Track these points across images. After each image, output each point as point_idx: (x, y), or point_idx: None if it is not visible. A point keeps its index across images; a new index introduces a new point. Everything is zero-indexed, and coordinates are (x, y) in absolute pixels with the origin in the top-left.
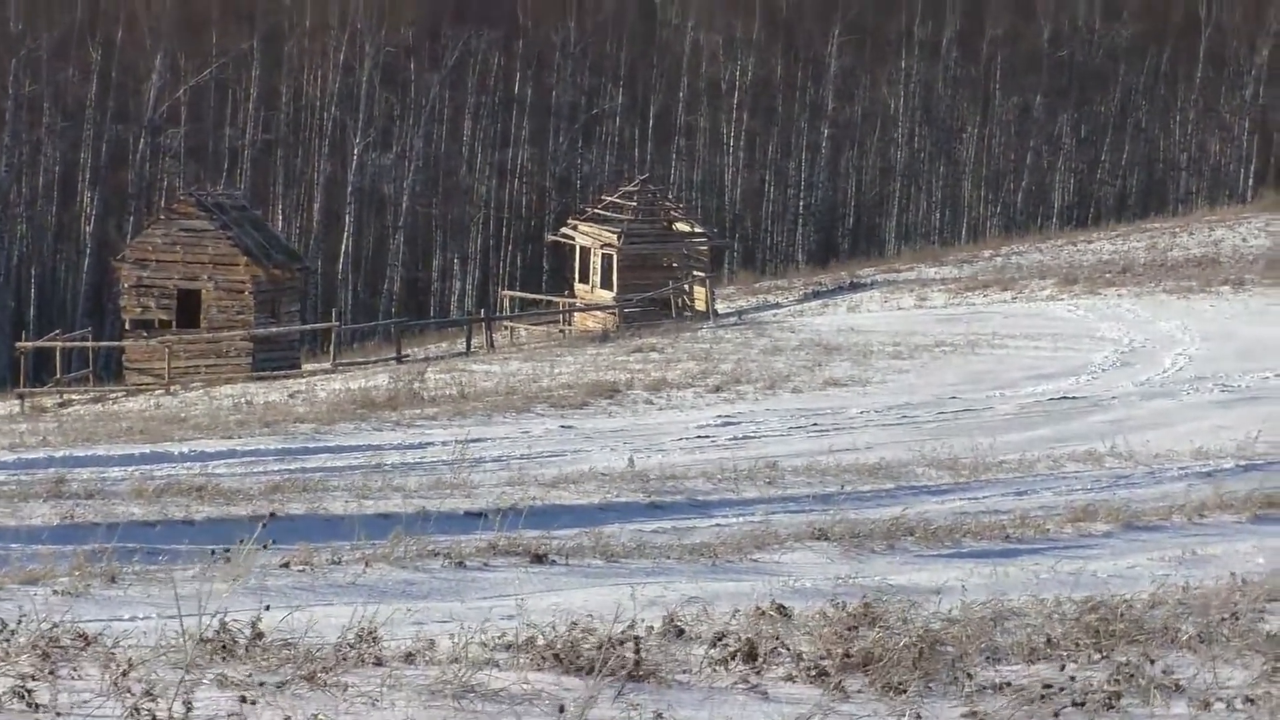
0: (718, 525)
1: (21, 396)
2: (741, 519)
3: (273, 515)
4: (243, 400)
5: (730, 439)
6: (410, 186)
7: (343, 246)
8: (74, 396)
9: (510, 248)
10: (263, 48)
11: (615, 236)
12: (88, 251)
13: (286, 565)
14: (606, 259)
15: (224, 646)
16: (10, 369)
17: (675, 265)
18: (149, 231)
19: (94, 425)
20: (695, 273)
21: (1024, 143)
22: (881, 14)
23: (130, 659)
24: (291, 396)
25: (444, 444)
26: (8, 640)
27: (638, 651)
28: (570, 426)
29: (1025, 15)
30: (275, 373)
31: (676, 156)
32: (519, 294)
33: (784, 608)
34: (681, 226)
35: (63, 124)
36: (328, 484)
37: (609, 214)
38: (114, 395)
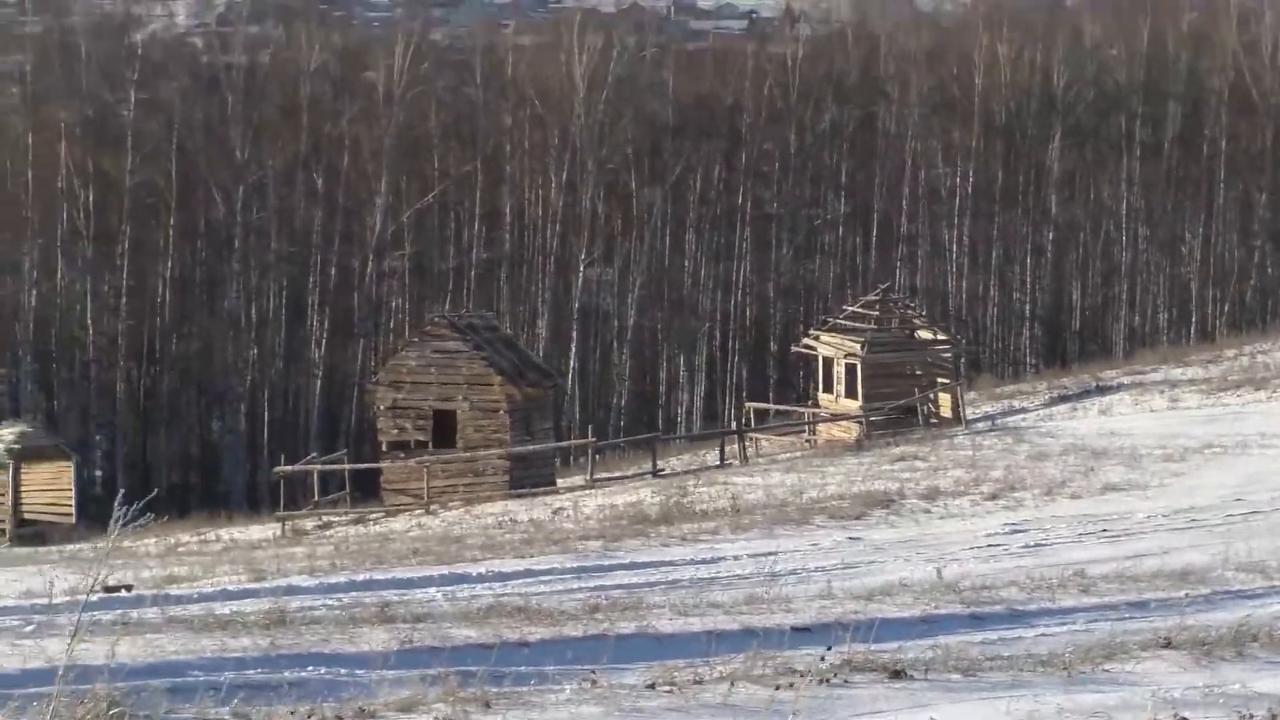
0: (1041, 635)
1: (281, 520)
2: (1065, 629)
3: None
4: (506, 519)
5: (1022, 547)
6: (635, 301)
7: (570, 362)
8: (333, 518)
9: (736, 359)
10: (485, 168)
11: (859, 345)
12: (319, 374)
13: (652, 686)
14: (850, 368)
15: None
16: (268, 492)
17: (919, 373)
18: (402, 354)
19: (373, 547)
20: (939, 379)
21: (1249, 240)
22: (1101, 116)
23: None
24: (555, 513)
25: (735, 558)
26: None
27: None
28: (857, 538)
29: (1246, 112)
30: (533, 490)
31: (900, 264)
32: (767, 405)
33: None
34: (924, 334)
35: (290, 249)
36: (645, 601)
37: (851, 323)
38: (373, 516)
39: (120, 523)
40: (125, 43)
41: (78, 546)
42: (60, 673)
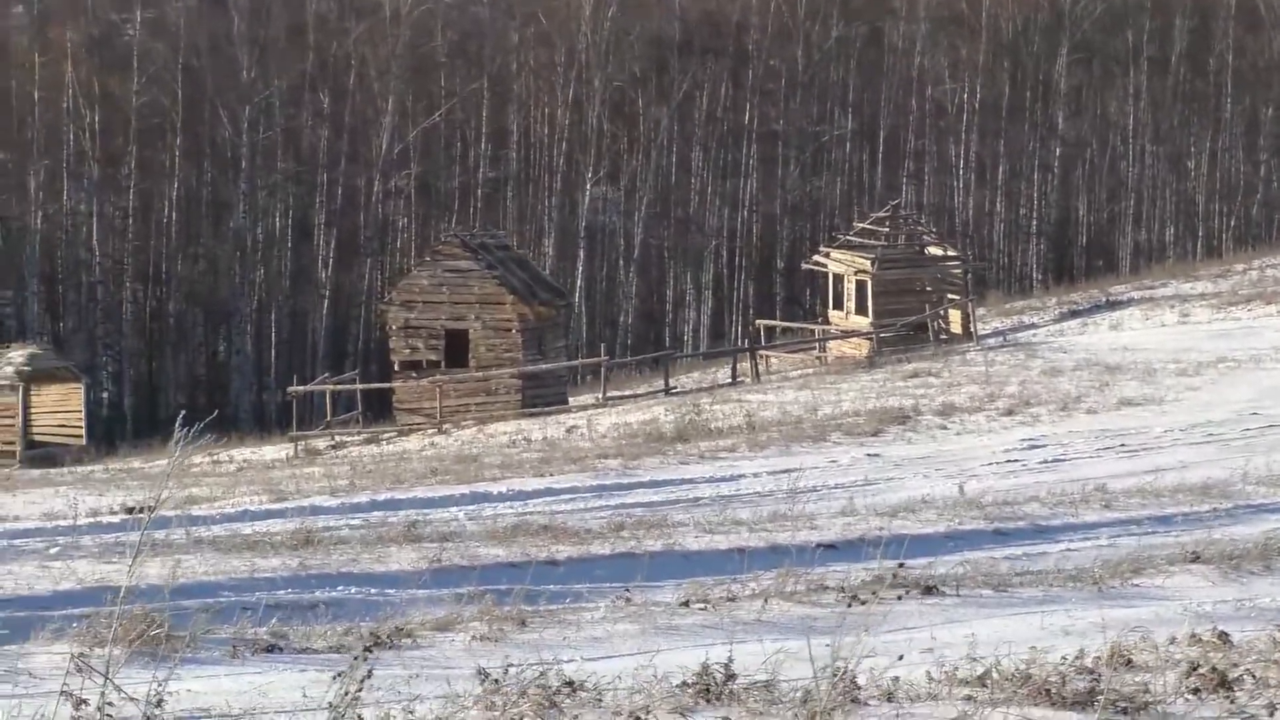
0: (1067, 550)
1: (294, 440)
2: (1089, 544)
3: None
4: (520, 438)
5: (1040, 463)
6: (641, 219)
7: (577, 281)
8: (346, 438)
9: (743, 276)
10: (491, 87)
11: (869, 263)
12: (326, 295)
13: (686, 604)
14: (860, 285)
15: (706, 690)
16: (277, 412)
17: (929, 289)
18: (414, 273)
19: (389, 466)
20: (950, 296)
21: (1255, 155)
22: (1108, 32)
23: (623, 705)
24: (569, 432)
25: (755, 475)
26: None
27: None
28: (876, 454)
29: (1254, 27)
30: (545, 409)
31: (907, 180)
32: (777, 322)
33: (1225, 634)
34: (934, 250)
35: (296, 169)
36: (669, 519)
37: (862, 240)
38: (386, 436)
39: (181, 443)
40: None
41: (89, 468)
42: (121, 595)
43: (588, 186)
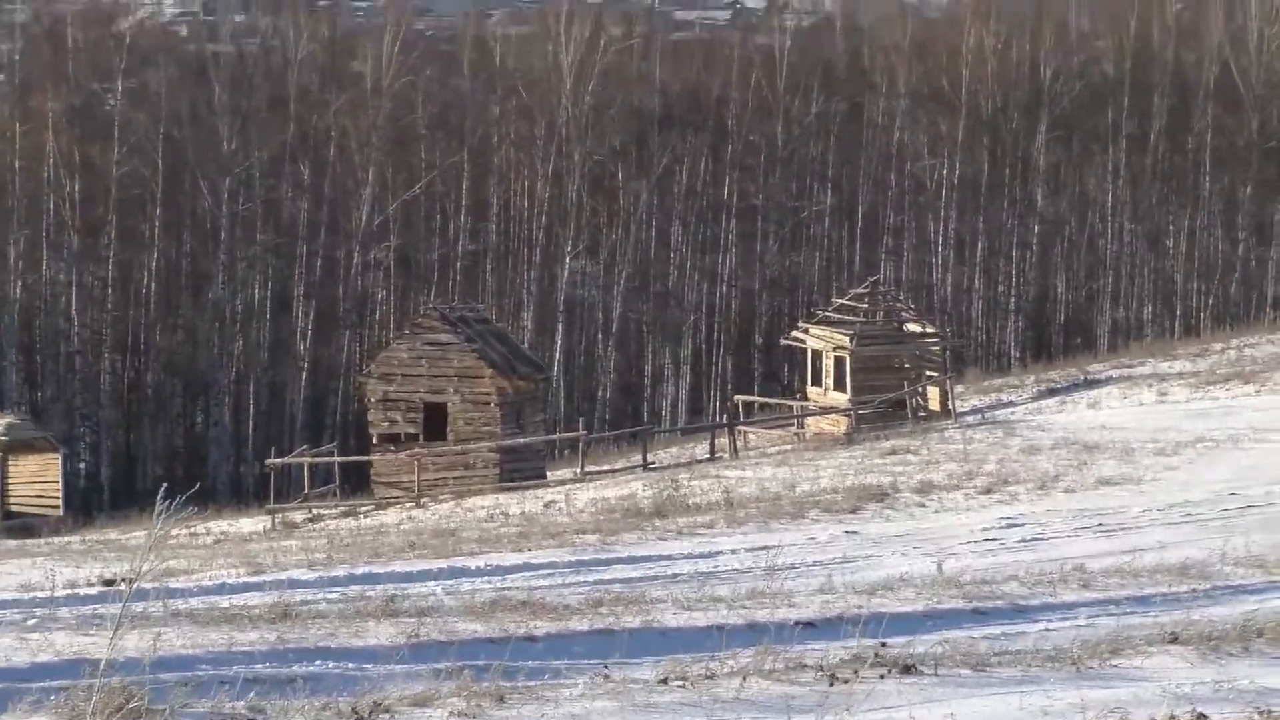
0: (1045, 630)
1: (272, 513)
2: (1068, 624)
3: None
4: (498, 512)
5: (1019, 541)
6: (620, 293)
7: (555, 354)
8: (323, 511)
9: (722, 351)
10: (472, 159)
11: (848, 339)
12: (304, 367)
13: (665, 681)
14: (839, 361)
15: None
16: (254, 485)
17: (908, 366)
18: (394, 346)
19: (367, 540)
20: (928, 373)
21: (1234, 233)
22: (1087, 110)
23: None
24: (547, 506)
25: (733, 552)
26: None
27: None
28: (854, 532)
29: (1232, 106)
30: (524, 483)
31: (885, 256)
32: (756, 398)
33: (1204, 716)
34: (913, 327)
35: (276, 241)
36: (648, 596)
37: (839, 316)
38: (364, 509)
39: (163, 515)
40: (112, 31)
41: (66, 539)
42: (101, 668)
43: (567, 260)
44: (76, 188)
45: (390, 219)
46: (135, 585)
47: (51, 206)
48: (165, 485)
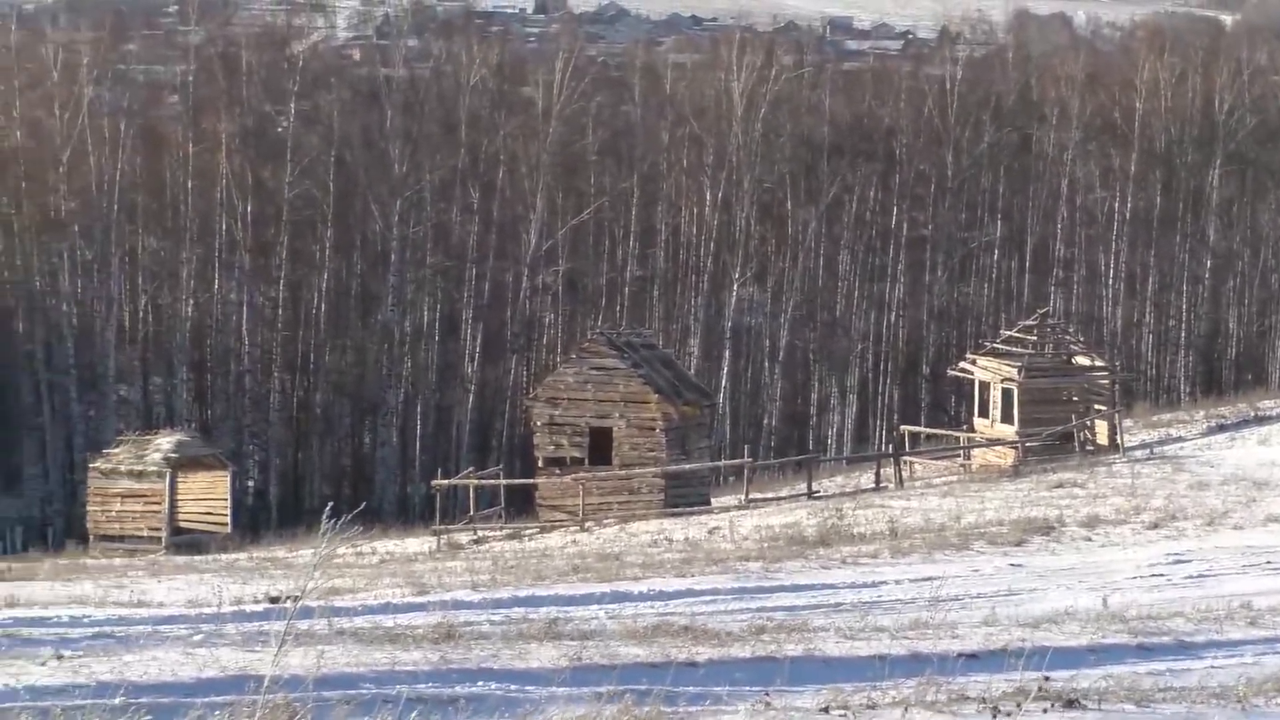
0: (1211, 667)
1: (437, 533)
2: (1234, 660)
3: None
4: (662, 537)
5: (1186, 577)
6: (787, 321)
7: (722, 381)
8: (488, 533)
9: (888, 381)
10: (641, 185)
11: (1016, 371)
12: (471, 389)
13: (826, 710)
14: (1007, 393)
15: None
16: (420, 505)
17: (1076, 399)
18: (560, 370)
19: (531, 563)
20: (1096, 406)
21: None
22: (1261, 144)
23: None
24: (711, 533)
25: (896, 582)
26: None
27: None
28: (1019, 565)
29: None
30: (688, 509)
31: (1055, 288)
32: (922, 428)
33: None
34: (1081, 360)
35: (445, 264)
36: (810, 624)
37: (1008, 348)
38: (528, 532)
39: (328, 534)
40: (286, 54)
41: (233, 556)
42: (265, 684)
43: (735, 287)
44: (249, 208)
45: (559, 243)
46: (300, 603)
47: (224, 226)
48: (331, 504)
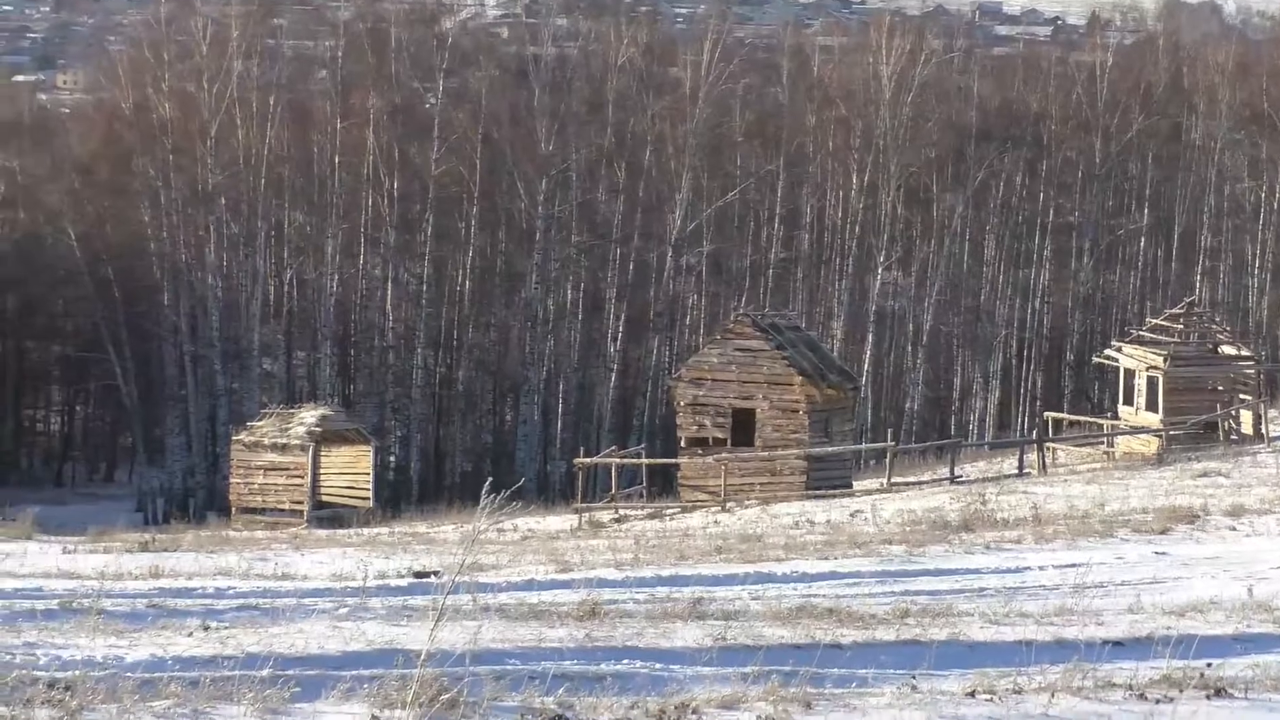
0: None
1: (579, 511)
2: None
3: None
4: (804, 519)
5: None
6: (931, 306)
7: (864, 365)
8: (630, 512)
9: (1031, 367)
10: (787, 168)
11: (1161, 359)
12: (614, 368)
13: (972, 694)
14: (1151, 381)
15: None
16: (560, 483)
17: (1221, 388)
18: (705, 351)
19: (673, 542)
20: (1241, 396)
21: None
22: None
23: None
24: (853, 516)
25: (1040, 568)
26: None
27: None
28: (1164, 553)
29: None
30: (829, 492)
31: (1201, 277)
32: (1065, 415)
33: None
34: (1227, 349)
35: (590, 243)
36: (954, 609)
37: (1154, 336)
38: (669, 511)
39: (486, 510)
40: (434, 31)
41: (375, 530)
42: (421, 658)
43: (879, 271)
44: (395, 185)
45: (703, 224)
46: (454, 579)
47: (370, 203)
48: (491, 479)
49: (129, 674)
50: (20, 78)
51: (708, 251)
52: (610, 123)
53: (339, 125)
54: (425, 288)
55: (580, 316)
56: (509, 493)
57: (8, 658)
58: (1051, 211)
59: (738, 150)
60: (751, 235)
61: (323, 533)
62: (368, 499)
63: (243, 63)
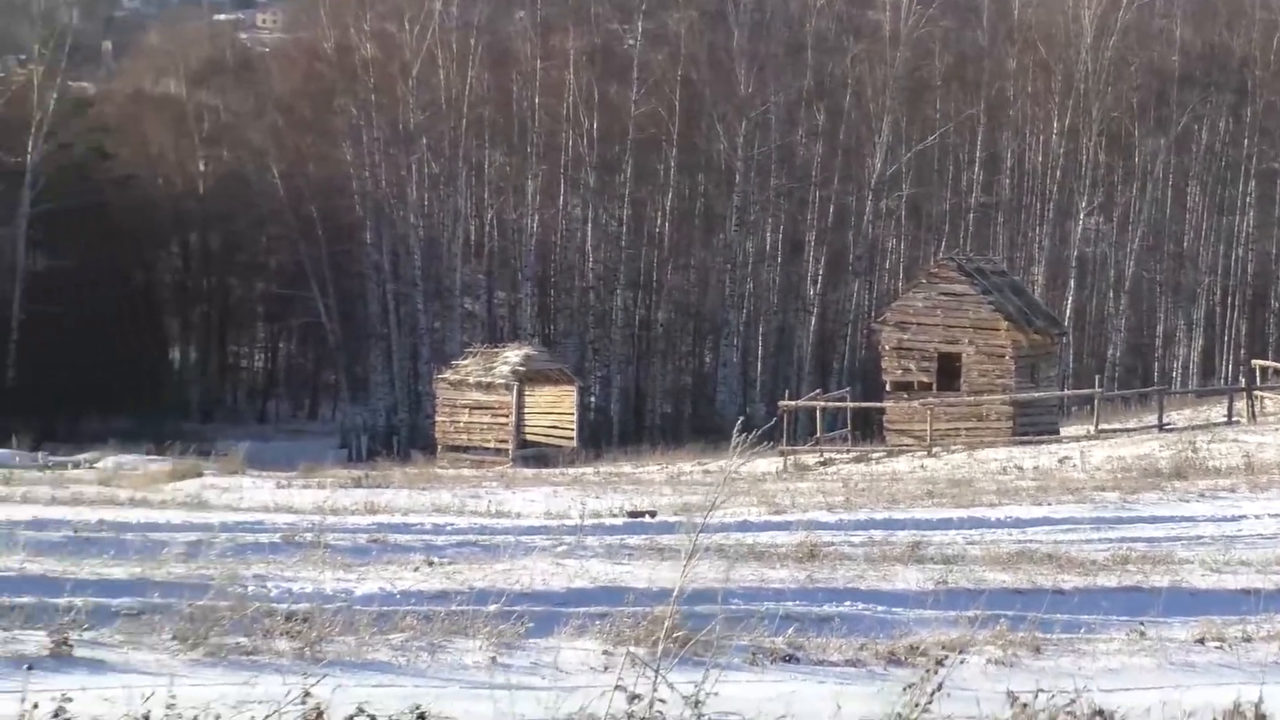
0: None
1: (784, 454)
2: None
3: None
4: (1011, 465)
5: None
6: (1133, 252)
7: (1066, 311)
8: (835, 455)
9: (1235, 315)
10: (987, 112)
11: None
12: (813, 311)
13: (1201, 641)
14: None
15: None
16: (759, 426)
17: None
18: (909, 295)
19: (882, 486)
20: None
21: None
22: None
23: None
24: (1061, 462)
25: (1257, 517)
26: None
27: None
28: None
29: None
30: (1036, 438)
31: None
32: (1272, 363)
33: None
34: None
35: (789, 185)
36: (1174, 556)
37: None
38: (875, 455)
39: (739, 448)
40: None
41: (580, 470)
42: (674, 596)
43: (1080, 216)
44: (594, 126)
45: (903, 168)
46: (705, 518)
47: (570, 143)
48: (742, 419)
49: (359, 607)
50: (221, 16)
51: (907, 195)
52: (810, 65)
53: (539, 66)
54: (624, 229)
55: (779, 259)
56: (759, 432)
57: (240, 589)
58: (1256, 157)
59: (937, 94)
60: (951, 179)
61: (529, 471)
62: (572, 438)
63: (443, 3)
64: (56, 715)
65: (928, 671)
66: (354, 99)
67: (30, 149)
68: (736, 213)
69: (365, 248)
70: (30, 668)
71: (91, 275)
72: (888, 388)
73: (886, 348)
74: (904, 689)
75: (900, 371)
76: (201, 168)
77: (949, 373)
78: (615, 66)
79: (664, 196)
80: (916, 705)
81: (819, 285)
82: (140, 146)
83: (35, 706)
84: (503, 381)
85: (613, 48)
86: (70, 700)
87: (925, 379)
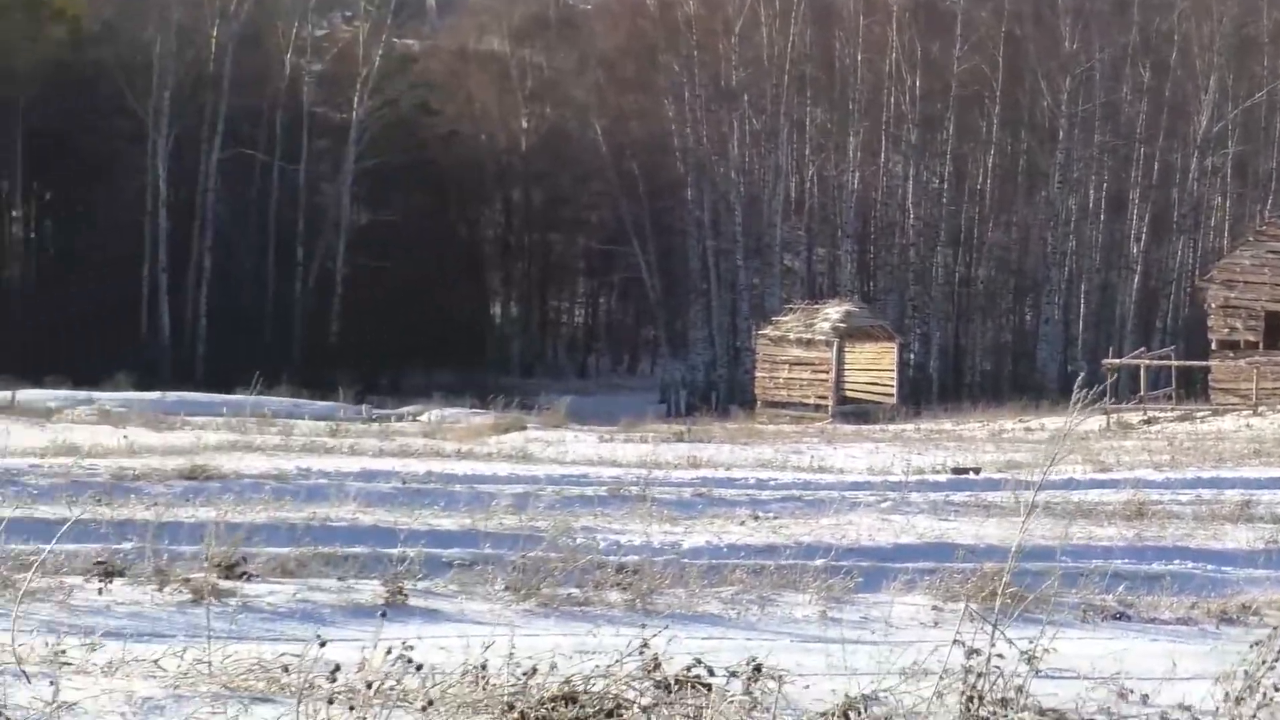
0: None
1: (1107, 413)
2: None
3: None
4: None
5: None
6: None
7: None
8: (1158, 414)
9: None
10: None
11: None
12: (1136, 269)
13: None
14: None
15: None
16: (1086, 383)
17: None
18: (1236, 253)
19: (1207, 445)
20: None
21: None
22: None
23: None
24: None
25: None
26: None
27: None
28: None
29: None
30: None
31: None
32: None
33: None
34: None
35: (1114, 143)
36: None
37: None
38: (1199, 414)
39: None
40: None
41: (900, 427)
42: (1013, 552)
43: None
44: (917, 82)
45: (1229, 125)
46: (1045, 475)
47: (892, 100)
48: (1082, 374)
49: (687, 560)
50: None
51: (1233, 153)
52: (1135, 21)
53: (861, 23)
54: (945, 185)
55: (1102, 217)
56: (1098, 388)
57: (569, 542)
58: None
59: (1264, 51)
60: (1279, 137)
61: (849, 427)
62: (892, 395)
63: None
64: (403, 661)
65: (1276, 628)
66: (676, 56)
67: (356, 105)
68: (1059, 170)
69: (686, 204)
70: (384, 615)
71: (414, 230)
72: (1213, 346)
73: (1212, 306)
74: (1251, 646)
75: (1226, 330)
76: (524, 124)
77: (1277, 331)
78: (938, 23)
79: (985, 153)
80: (1263, 663)
81: (1142, 243)
82: (464, 103)
83: (389, 652)
84: (823, 338)
85: (935, 4)
86: (411, 648)
87: (1252, 337)
